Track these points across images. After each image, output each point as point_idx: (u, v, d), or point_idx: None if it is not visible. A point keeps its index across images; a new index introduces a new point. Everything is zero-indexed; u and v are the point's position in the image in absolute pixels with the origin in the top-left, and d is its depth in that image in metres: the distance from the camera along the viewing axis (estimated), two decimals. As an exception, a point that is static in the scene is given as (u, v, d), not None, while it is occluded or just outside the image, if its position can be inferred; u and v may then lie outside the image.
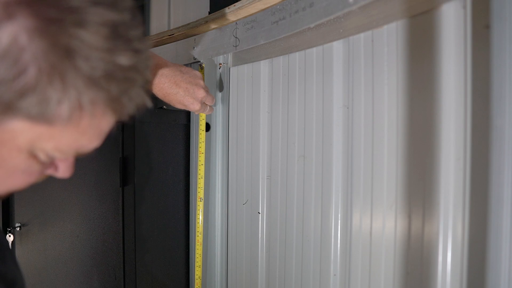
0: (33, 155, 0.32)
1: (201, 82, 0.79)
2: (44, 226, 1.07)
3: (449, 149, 0.53)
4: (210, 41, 0.90)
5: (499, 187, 0.38)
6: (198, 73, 0.80)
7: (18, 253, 1.18)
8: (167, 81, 0.74)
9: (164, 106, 1.00)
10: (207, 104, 0.82)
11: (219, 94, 0.95)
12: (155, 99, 1.26)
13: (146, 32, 1.31)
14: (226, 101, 0.96)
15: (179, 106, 0.78)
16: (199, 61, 0.92)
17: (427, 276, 0.55)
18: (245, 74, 0.92)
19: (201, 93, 0.78)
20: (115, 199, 0.88)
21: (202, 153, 0.91)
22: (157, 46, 1.06)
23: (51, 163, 0.35)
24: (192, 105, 0.77)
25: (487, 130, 0.41)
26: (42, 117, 0.29)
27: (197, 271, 0.90)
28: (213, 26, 0.90)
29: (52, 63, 0.27)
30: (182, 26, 0.96)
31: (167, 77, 0.74)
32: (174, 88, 0.75)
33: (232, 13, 0.83)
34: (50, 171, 0.36)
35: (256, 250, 0.89)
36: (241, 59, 0.93)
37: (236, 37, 0.84)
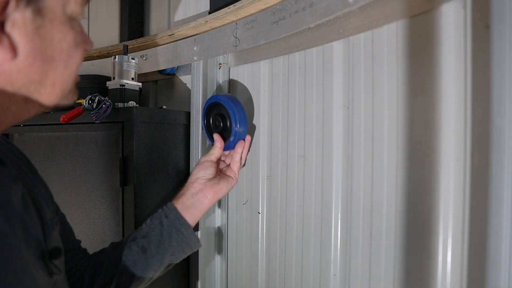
0: (70, 25, 0.38)
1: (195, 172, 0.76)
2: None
3: (449, 149, 0.53)
4: (210, 41, 0.90)
5: (499, 187, 0.38)
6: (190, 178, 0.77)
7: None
8: (201, 208, 0.73)
9: (164, 106, 1.00)
10: (217, 143, 0.79)
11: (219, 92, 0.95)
12: (156, 102, 1.26)
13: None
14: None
15: (228, 186, 0.76)
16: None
17: (427, 276, 0.55)
18: (245, 74, 0.92)
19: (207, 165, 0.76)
20: (115, 199, 0.88)
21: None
22: (157, 46, 1.06)
23: (80, 31, 0.41)
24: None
25: (487, 130, 0.41)
26: None
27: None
28: (213, 26, 0.90)
29: None
30: (182, 26, 0.96)
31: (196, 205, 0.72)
32: (209, 199, 0.73)
33: (232, 13, 0.83)
34: (84, 45, 0.42)
35: (256, 250, 0.89)
36: (241, 59, 0.93)
37: (236, 37, 0.84)
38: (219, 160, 0.81)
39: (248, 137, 0.81)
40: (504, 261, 0.38)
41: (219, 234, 0.97)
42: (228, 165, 0.80)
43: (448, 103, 0.54)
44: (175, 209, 0.70)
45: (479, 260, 0.49)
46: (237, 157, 0.79)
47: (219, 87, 0.95)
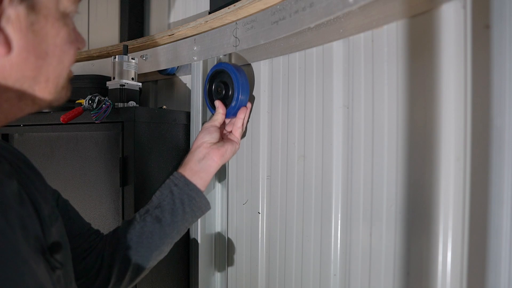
0: (64, 21, 0.39)
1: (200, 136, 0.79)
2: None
3: (449, 149, 0.53)
4: (210, 41, 0.90)
5: (499, 187, 0.38)
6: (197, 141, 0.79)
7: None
8: (209, 171, 0.75)
9: (164, 106, 1.00)
10: (219, 109, 0.82)
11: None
12: (155, 100, 1.26)
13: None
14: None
15: (232, 150, 0.79)
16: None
17: (427, 276, 0.55)
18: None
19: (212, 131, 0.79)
20: (115, 199, 0.88)
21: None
22: (157, 46, 1.06)
23: (74, 29, 0.42)
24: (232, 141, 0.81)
25: (487, 130, 0.41)
26: None
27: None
28: (213, 26, 0.90)
29: None
30: (182, 26, 0.96)
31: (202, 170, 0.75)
32: (216, 161, 0.75)
33: (232, 13, 0.83)
34: (77, 43, 0.43)
35: (256, 250, 0.89)
36: (241, 59, 0.93)
37: (236, 37, 0.84)
38: (222, 126, 0.83)
39: (249, 104, 0.84)
40: (504, 261, 0.38)
41: (219, 234, 0.97)
42: (230, 132, 0.84)
43: (448, 103, 0.54)
44: (183, 176, 0.73)
45: (479, 260, 0.49)
46: (239, 122, 0.82)
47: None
